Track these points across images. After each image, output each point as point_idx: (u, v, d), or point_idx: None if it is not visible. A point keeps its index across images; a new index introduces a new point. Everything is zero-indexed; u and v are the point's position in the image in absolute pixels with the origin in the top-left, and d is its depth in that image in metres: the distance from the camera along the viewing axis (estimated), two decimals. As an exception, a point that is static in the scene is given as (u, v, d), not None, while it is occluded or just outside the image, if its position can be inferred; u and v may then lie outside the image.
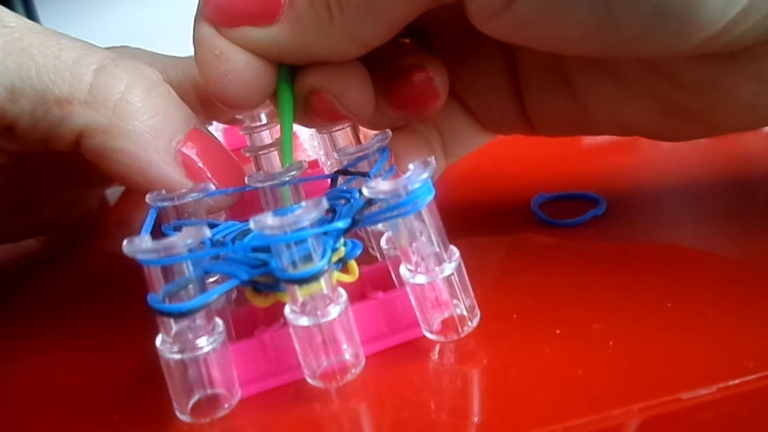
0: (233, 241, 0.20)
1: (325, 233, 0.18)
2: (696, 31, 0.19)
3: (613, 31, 0.19)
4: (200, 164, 0.23)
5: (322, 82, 0.23)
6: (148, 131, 0.22)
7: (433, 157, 0.19)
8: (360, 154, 0.22)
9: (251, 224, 0.17)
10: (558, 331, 0.20)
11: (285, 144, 0.23)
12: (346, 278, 0.19)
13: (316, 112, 0.23)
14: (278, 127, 0.29)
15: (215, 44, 0.22)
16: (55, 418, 0.20)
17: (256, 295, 0.19)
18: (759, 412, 0.17)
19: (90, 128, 0.22)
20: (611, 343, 0.19)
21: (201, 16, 0.22)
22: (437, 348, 0.20)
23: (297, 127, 0.37)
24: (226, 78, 0.22)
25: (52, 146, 0.23)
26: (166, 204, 0.22)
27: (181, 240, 0.17)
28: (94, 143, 0.22)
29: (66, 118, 0.22)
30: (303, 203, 0.17)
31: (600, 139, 0.35)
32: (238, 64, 0.22)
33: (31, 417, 0.21)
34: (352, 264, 0.20)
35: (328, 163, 0.27)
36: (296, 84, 0.23)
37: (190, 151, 0.23)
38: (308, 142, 0.36)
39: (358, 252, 0.20)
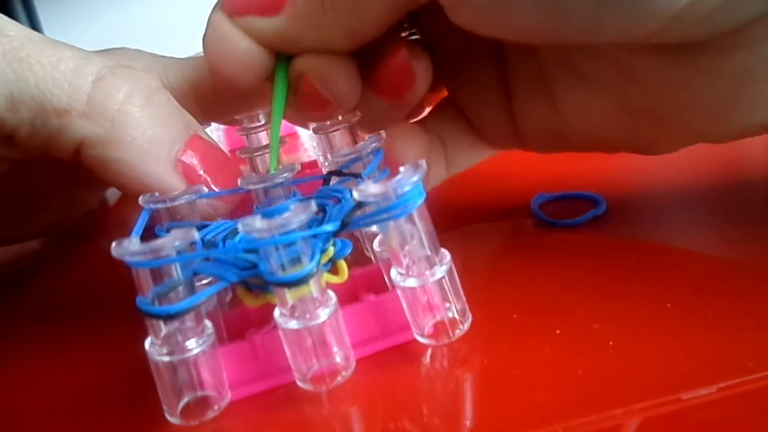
0: (224, 240, 0.20)
1: (314, 236, 0.18)
2: (650, 16, 0.19)
3: (565, 18, 0.20)
4: (200, 172, 0.23)
5: (309, 65, 0.23)
6: (147, 142, 0.23)
7: (424, 160, 0.19)
8: (354, 155, 0.22)
9: (239, 227, 0.17)
10: (558, 331, 0.20)
11: (274, 128, 0.24)
12: (335, 279, 0.19)
13: (302, 97, 0.24)
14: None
15: (222, 29, 0.23)
16: (54, 418, 0.20)
17: (248, 293, 0.19)
18: (759, 412, 0.16)
19: (89, 139, 0.23)
20: (611, 343, 0.19)
21: (218, 4, 0.23)
22: (429, 351, 0.20)
23: (297, 128, 0.37)
24: (225, 58, 0.23)
25: (53, 154, 0.24)
26: (159, 206, 0.22)
27: (170, 242, 0.17)
28: (94, 154, 0.23)
29: (65, 129, 0.23)
30: (291, 206, 0.17)
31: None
32: (239, 48, 0.23)
33: (31, 417, 0.21)
34: (341, 264, 0.20)
35: (326, 164, 0.26)
36: (290, 71, 0.24)
37: (190, 159, 0.23)
38: (308, 142, 0.36)
39: (348, 252, 0.20)
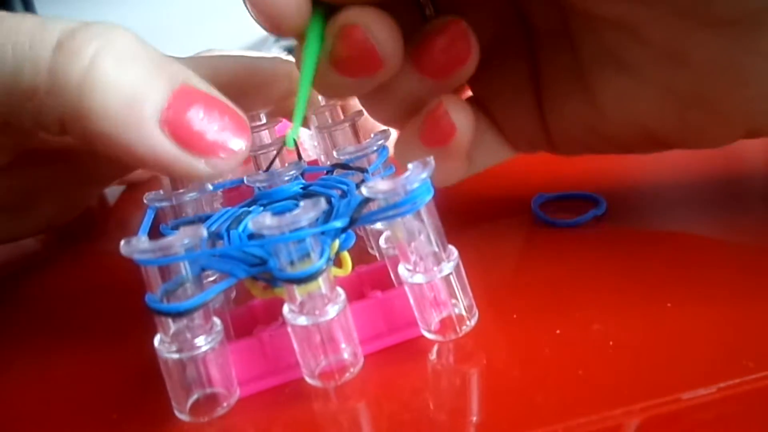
0: (228, 230, 0.20)
1: (322, 232, 0.18)
2: None
3: None
4: (195, 128, 0.21)
5: (360, 16, 0.22)
6: (122, 108, 0.20)
7: (432, 158, 0.19)
8: (359, 153, 0.22)
9: (250, 225, 0.17)
10: (558, 331, 0.20)
11: (302, 87, 0.23)
12: (340, 272, 0.19)
13: (346, 53, 0.22)
14: (278, 126, 0.29)
15: None
16: (55, 418, 0.20)
17: (255, 283, 0.19)
18: (759, 412, 0.17)
19: (66, 116, 0.20)
20: (611, 343, 0.19)
21: None
22: (436, 347, 0.20)
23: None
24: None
25: (53, 135, 0.22)
26: (163, 204, 0.22)
27: (178, 240, 0.17)
28: (75, 130, 0.21)
29: (39, 110, 0.21)
30: (301, 203, 0.17)
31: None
32: None
33: (31, 417, 0.21)
34: (345, 256, 0.20)
35: (328, 162, 0.27)
36: (330, 23, 0.22)
37: (178, 116, 0.21)
38: (308, 142, 0.36)
39: (351, 243, 0.20)
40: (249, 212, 0.21)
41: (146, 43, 0.22)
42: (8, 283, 0.31)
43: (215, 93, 0.22)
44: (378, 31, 0.22)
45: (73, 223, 0.33)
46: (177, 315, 0.17)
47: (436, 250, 0.19)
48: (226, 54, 0.32)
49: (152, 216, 0.21)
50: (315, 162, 0.32)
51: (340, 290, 0.19)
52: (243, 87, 0.30)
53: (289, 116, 0.33)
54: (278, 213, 0.17)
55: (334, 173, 0.23)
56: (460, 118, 0.24)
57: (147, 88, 0.20)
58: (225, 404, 0.18)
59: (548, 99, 0.26)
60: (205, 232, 0.17)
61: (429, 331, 0.20)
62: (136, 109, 0.20)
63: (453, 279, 0.19)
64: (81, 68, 0.20)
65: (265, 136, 0.28)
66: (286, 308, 0.18)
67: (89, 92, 0.20)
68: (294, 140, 0.23)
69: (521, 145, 0.28)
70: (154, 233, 0.19)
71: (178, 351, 0.18)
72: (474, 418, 0.17)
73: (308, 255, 0.17)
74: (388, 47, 0.22)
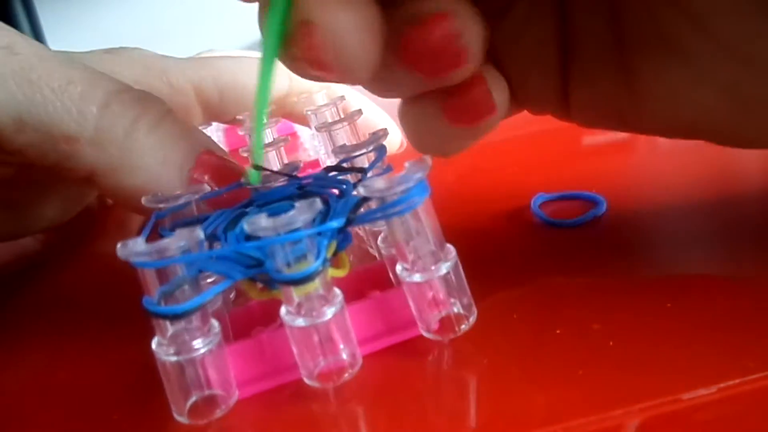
0: (225, 231, 0.20)
1: (319, 233, 0.18)
2: None
3: None
4: (213, 187, 0.23)
5: (318, 13, 0.18)
6: (156, 166, 0.23)
7: (429, 157, 0.19)
8: (357, 152, 0.22)
9: (245, 226, 0.17)
10: (558, 331, 0.20)
11: (260, 93, 0.21)
12: (339, 273, 0.19)
13: (303, 53, 0.19)
14: (278, 126, 0.29)
15: None
16: (55, 418, 0.20)
17: (252, 285, 0.19)
18: (759, 412, 0.16)
19: (101, 168, 0.23)
20: (611, 343, 0.19)
21: None
22: (435, 347, 0.20)
23: (297, 127, 0.37)
24: None
25: (66, 177, 0.24)
26: (161, 206, 0.22)
27: (175, 242, 0.17)
28: (106, 183, 0.23)
29: (74, 156, 0.23)
30: (296, 204, 0.17)
31: (600, 138, 0.35)
32: None
33: (32, 417, 0.21)
34: (343, 256, 0.20)
35: (328, 162, 0.27)
36: (290, 13, 0.19)
37: (200, 177, 0.23)
38: (309, 141, 0.36)
39: (348, 244, 0.20)
40: (246, 213, 0.21)
41: (172, 111, 0.24)
42: (8, 283, 0.31)
43: (229, 159, 0.24)
44: (342, 34, 0.18)
45: (73, 222, 0.33)
46: (174, 317, 0.17)
47: (434, 248, 0.19)
48: (226, 55, 0.32)
49: (155, 220, 0.21)
50: (316, 162, 0.32)
51: (337, 291, 0.18)
52: (243, 88, 0.30)
53: (289, 116, 0.33)
54: (274, 214, 0.17)
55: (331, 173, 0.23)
56: (501, 98, 0.22)
57: (177, 151, 0.23)
58: (223, 406, 0.18)
59: (576, 71, 0.23)
60: (201, 234, 0.17)
61: (428, 330, 0.20)
62: (169, 168, 0.23)
63: (451, 278, 0.19)
64: (124, 128, 0.23)
65: (266, 136, 0.28)
66: (283, 310, 0.18)
67: (129, 150, 0.23)
68: (259, 168, 0.23)
69: (530, 104, 0.25)
70: (152, 235, 0.20)
71: (176, 353, 0.17)
72: (474, 418, 0.17)
73: (305, 256, 0.17)
74: (352, 56, 0.19)
